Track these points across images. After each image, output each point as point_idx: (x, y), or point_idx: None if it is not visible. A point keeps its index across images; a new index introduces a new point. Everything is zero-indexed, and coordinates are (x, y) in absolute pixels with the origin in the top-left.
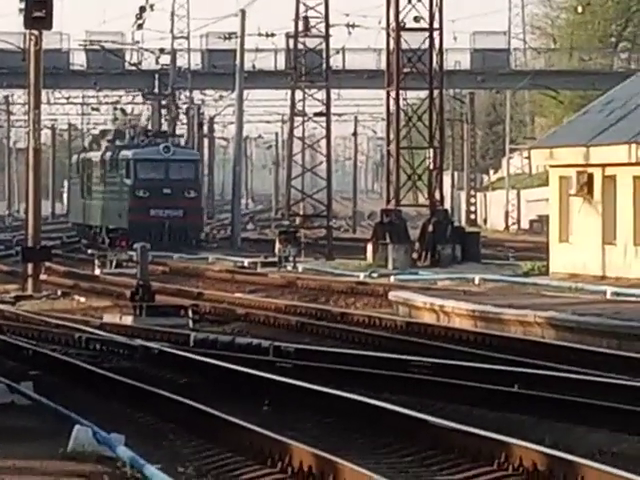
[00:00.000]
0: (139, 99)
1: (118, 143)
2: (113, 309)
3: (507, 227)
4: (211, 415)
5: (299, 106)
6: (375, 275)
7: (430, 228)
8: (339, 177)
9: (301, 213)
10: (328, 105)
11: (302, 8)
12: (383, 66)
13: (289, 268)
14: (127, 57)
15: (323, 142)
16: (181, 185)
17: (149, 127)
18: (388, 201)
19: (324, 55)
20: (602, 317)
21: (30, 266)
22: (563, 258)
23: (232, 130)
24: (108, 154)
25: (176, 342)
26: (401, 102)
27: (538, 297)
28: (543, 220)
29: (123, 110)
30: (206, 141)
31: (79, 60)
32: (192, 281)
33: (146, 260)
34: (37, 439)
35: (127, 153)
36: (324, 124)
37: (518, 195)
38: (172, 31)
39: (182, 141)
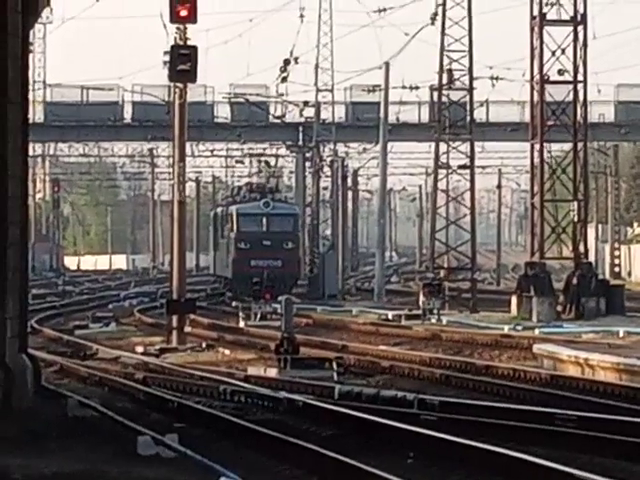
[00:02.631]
0: (283, 151)
1: (230, 199)
2: (257, 361)
3: None
4: (356, 468)
5: (443, 158)
6: (519, 328)
7: (574, 281)
8: (483, 230)
9: (445, 266)
10: (472, 157)
11: (446, 61)
12: (527, 118)
13: (433, 320)
14: (271, 110)
15: (467, 195)
16: (280, 237)
17: (266, 184)
18: (532, 254)
19: (468, 108)
20: None
21: (175, 318)
22: None
23: (376, 182)
24: (224, 209)
25: (320, 394)
26: (545, 154)
27: None
28: None
29: (267, 163)
30: (350, 193)
31: (223, 113)
32: (336, 333)
33: (291, 312)
34: None
35: (232, 208)
36: (468, 176)
37: None
38: (316, 84)
39: (328, 196)
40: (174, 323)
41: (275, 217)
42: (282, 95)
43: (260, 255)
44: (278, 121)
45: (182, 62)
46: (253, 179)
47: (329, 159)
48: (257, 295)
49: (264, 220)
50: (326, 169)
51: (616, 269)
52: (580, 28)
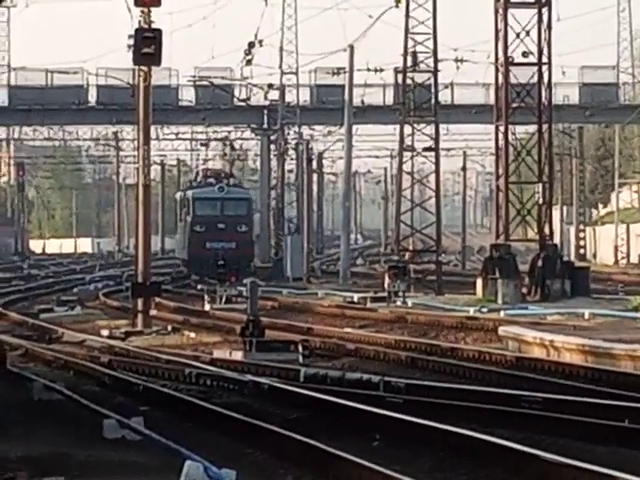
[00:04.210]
0: (248, 134)
1: (189, 184)
2: (223, 344)
3: (616, 261)
4: (322, 450)
5: (408, 141)
6: (485, 310)
7: (539, 263)
8: (448, 212)
9: (410, 248)
10: (437, 140)
11: (410, 43)
12: (491, 101)
13: (398, 303)
14: (236, 93)
15: (432, 177)
16: (234, 220)
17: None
18: (497, 236)
19: (433, 90)
20: None
21: (140, 302)
22: None
23: (341, 165)
24: (182, 194)
25: (286, 377)
26: (510, 137)
27: None
28: None
29: (232, 146)
30: (315, 176)
31: (188, 96)
32: (302, 316)
33: (256, 295)
34: (148, 474)
35: (189, 193)
36: (433, 159)
37: (627, 229)
38: (281, 67)
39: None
40: (139, 306)
41: (229, 201)
42: (247, 78)
43: (215, 237)
44: (243, 104)
45: (146, 45)
46: (217, 162)
47: (294, 142)
48: (222, 278)
49: (219, 204)
50: (291, 152)
51: (581, 251)
52: (544, 10)
